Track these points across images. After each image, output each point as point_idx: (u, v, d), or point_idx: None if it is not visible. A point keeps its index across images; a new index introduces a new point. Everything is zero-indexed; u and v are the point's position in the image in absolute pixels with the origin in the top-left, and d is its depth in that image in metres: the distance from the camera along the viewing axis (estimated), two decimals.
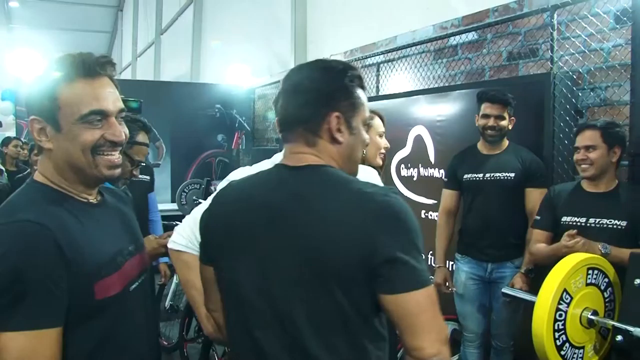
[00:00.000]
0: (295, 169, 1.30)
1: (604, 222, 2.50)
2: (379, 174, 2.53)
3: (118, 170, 1.33)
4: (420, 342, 1.16)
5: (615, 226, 2.48)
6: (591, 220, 2.54)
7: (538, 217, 2.77)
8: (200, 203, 2.00)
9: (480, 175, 3.07)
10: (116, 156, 1.31)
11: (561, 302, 2.08)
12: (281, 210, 1.26)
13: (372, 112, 2.50)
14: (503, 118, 3.02)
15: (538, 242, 2.74)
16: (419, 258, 1.18)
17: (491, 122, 3.02)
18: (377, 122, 2.47)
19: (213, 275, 1.41)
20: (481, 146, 3.15)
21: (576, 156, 2.60)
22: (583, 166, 2.57)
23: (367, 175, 1.95)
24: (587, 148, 2.54)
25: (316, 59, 1.38)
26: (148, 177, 3.80)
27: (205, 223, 1.41)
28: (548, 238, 2.73)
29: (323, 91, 1.30)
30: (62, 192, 1.30)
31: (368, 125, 1.44)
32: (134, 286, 1.36)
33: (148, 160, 4.02)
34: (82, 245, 1.22)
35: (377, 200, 1.20)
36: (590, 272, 2.17)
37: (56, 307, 1.16)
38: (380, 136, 2.47)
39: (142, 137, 2.55)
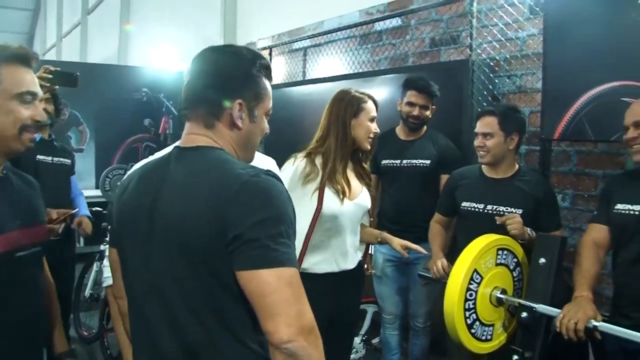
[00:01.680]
0: (185, 150, 1.32)
1: (501, 210, 2.52)
2: (367, 158, 2.51)
3: (32, 145, 1.51)
4: (272, 325, 1.12)
5: (511, 214, 2.48)
6: (489, 207, 2.55)
7: (439, 201, 2.84)
8: None
9: (398, 161, 3.11)
10: (34, 136, 1.51)
11: (472, 282, 2.13)
12: (162, 192, 1.27)
13: (366, 95, 2.48)
14: (427, 108, 3.06)
15: (435, 223, 2.84)
16: (276, 239, 1.15)
17: (416, 111, 3.05)
18: (369, 105, 2.43)
19: (118, 259, 1.41)
20: (400, 131, 3.19)
21: (475, 142, 2.61)
22: (481, 152, 2.58)
23: (264, 164, 1.93)
24: (485, 135, 2.55)
25: (229, 44, 1.39)
26: (69, 161, 3.67)
27: (110, 207, 1.50)
28: (445, 222, 2.82)
29: (230, 77, 1.31)
30: None
31: (267, 115, 1.42)
32: (21, 253, 1.46)
33: (70, 145, 3.88)
34: None
35: (242, 180, 1.18)
36: (500, 252, 2.24)
37: None
38: (372, 120, 2.42)
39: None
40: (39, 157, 3.39)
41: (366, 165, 2.51)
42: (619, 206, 2.16)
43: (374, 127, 2.43)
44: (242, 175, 1.19)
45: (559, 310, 2.07)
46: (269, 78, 1.39)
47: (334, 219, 2.34)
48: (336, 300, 2.39)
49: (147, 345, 1.31)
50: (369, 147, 2.43)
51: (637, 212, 2.10)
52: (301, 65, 5.29)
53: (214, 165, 1.25)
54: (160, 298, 1.25)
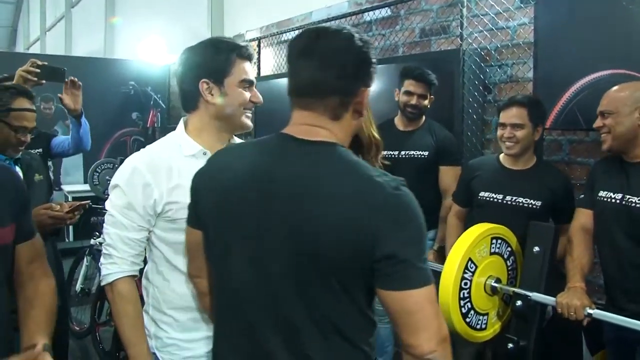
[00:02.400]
0: (305, 143, 1.23)
1: (520, 201, 2.52)
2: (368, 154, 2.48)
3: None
4: (416, 339, 1.14)
5: (530, 205, 2.50)
6: (508, 197, 2.55)
7: (455, 191, 2.83)
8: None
9: (396, 152, 3.08)
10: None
11: (466, 271, 2.14)
12: (279, 188, 1.20)
13: None
14: (425, 97, 3.05)
15: (453, 216, 2.82)
16: (421, 257, 1.15)
17: (414, 100, 3.04)
18: None
19: (200, 240, 1.37)
20: (398, 122, 3.18)
21: (500, 132, 2.55)
22: (508, 144, 2.53)
23: None
24: (514, 126, 2.51)
25: (329, 28, 1.27)
26: (39, 150, 3.50)
27: (197, 187, 1.37)
28: (462, 214, 2.80)
29: (362, 64, 1.24)
30: None
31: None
32: None
33: (56, 130, 3.80)
34: None
35: (386, 192, 1.15)
36: (494, 241, 2.25)
37: None
38: None
39: (18, 103, 2.40)
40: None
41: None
42: (601, 193, 2.17)
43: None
44: (385, 185, 1.16)
45: (553, 299, 2.09)
46: None
47: None
48: None
49: (245, 347, 1.28)
50: None
51: (617, 201, 2.11)
52: None
53: (348, 168, 1.19)
54: (274, 302, 1.21)
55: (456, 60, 3.20)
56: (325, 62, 1.21)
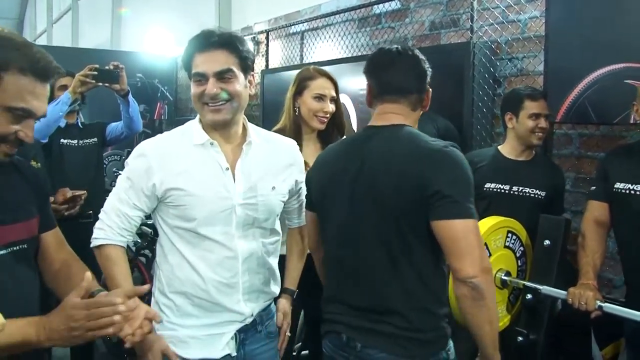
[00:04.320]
0: (385, 128, 1.69)
1: (526, 191, 2.54)
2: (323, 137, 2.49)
3: (7, 160, 1.37)
4: (460, 264, 1.45)
5: (536, 195, 2.52)
6: (515, 188, 2.55)
7: None
8: (120, 174, 1.87)
9: None
10: (15, 149, 1.35)
11: None
12: (365, 164, 1.64)
13: (319, 72, 2.49)
14: None
15: None
16: (465, 196, 1.51)
17: None
18: (315, 83, 2.45)
19: (314, 220, 1.85)
20: None
21: (534, 123, 2.54)
22: (539, 134, 2.56)
23: (287, 145, 1.93)
24: (547, 117, 2.56)
25: (401, 47, 1.75)
26: (95, 139, 3.66)
27: (309, 178, 1.86)
28: None
29: (424, 73, 1.73)
30: None
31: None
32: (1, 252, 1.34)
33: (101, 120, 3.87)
34: None
35: (434, 149, 1.57)
36: (509, 235, 2.24)
37: None
38: (317, 98, 2.42)
39: None
40: (63, 140, 3.47)
41: None
42: (619, 185, 2.16)
43: (321, 105, 2.42)
44: (434, 145, 1.58)
45: (563, 292, 2.08)
46: None
47: None
48: (305, 288, 2.37)
49: (345, 286, 1.70)
50: (318, 126, 2.44)
51: (639, 193, 2.10)
52: (298, 49, 5.25)
53: (411, 138, 1.63)
54: (362, 245, 1.64)
55: (466, 54, 3.19)
56: (408, 71, 1.71)
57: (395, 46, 1.76)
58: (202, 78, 1.65)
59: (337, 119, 2.51)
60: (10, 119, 1.28)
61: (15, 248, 1.38)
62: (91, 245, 1.71)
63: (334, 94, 2.46)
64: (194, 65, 1.66)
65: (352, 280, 1.68)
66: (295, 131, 2.44)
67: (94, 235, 1.71)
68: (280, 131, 2.30)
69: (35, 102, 1.30)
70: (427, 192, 1.49)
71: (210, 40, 1.65)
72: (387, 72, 1.72)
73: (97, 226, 1.72)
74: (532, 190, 2.53)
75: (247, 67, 1.71)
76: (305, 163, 2.05)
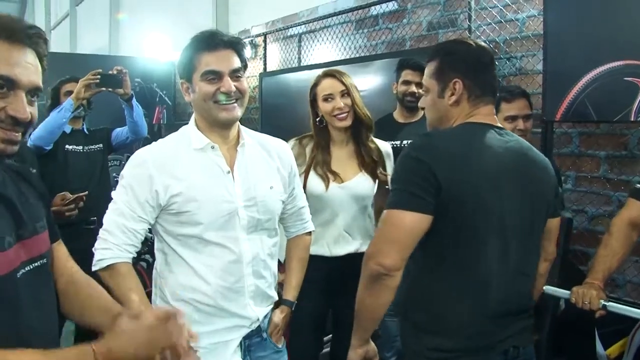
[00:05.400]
0: (501, 129, 1.65)
1: None
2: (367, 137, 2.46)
3: (13, 148, 1.15)
4: (551, 246, 1.81)
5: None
6: None
7: None
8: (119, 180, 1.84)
9: (398, 142, 3.08)
10: (16, 134, 1.13)
11: None
12: (514, 163, 1.60)
13: (322, 74, 2.46)
14: (423, 86, 3.04)
15: None
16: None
17: (412, 88, 3.03)
18: (321, 85, 2.41)
19: (427, 227, 1.52)
20: (397, 115, 3.18)
21: (510, 126, 2.45)
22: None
23: (279, 146, 1.92)
24: (526, 117, 2.50)
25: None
26: (100, 145, 3.63)
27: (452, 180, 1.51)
28: None
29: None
30: None
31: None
32: (24, 271, 1.17)
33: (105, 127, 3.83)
34: None
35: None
36: None
37: None
38: (326, 99, 2.37)
39: None
40: (68, 147, 3.43)
41: (372, 145, 2.45)
42: None
43: (331, 105, 2.36)
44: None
45: (566, 292, 2.06)
46: None
47: (319, 202, 2.32)
48: (335, 288, 2.37)
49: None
50: (341, 124, 2.37)
51: None
52: (296, 52, 5.25)
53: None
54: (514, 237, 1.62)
55: None
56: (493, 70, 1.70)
57: (482, 43, 1.74)
58: (215, 76, 1.64)
59: (357, 113, 2.39)
60: None
61: (37, 264, 1.23)
62: (96, 268, 1.63)
63: (341, 88, 2.38)
64: (204, 64, 1.65)
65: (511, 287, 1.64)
66: (322, 137, 2.43)
67: (99, 257, 1.63)
68: (312, 138, 2.44)
69: (14, 70, 1.10)
70: (556, 193, 1.74)
71: (220, 40, 1.67)
72: (489, 72, 1.67)
73: (101, 246, 1.64)
74: None
75: (245, 68, 1.74)
76: (336, 167, 2.20)
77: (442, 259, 1.57)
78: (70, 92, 3.45)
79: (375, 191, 2.43)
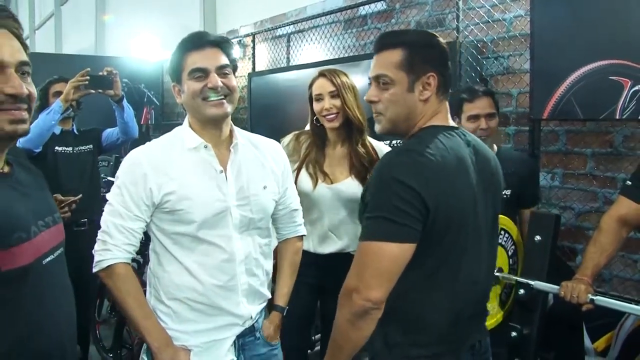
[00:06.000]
0: (458, 129, 1.60)
1: None
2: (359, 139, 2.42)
3: (23, 126, 1.19)
4: None
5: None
6: None
7: None
8: (108, 181, 1.86)
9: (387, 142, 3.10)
10: (20, 111, 1.18)
11: None
12: (480, 167, 1.56)
13: (316, 75, 2.45)
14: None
15: None
16: None
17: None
18: (315, 85, 2.41)
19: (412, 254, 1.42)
20: None
21: (473, 125, 2.44)
22: (483, 136, 2.38)
23: (271, 146, 1.94)
24: (490, 116, 2.48)
25: None
26: (90, 146, 3.61)
27: (430, 196, 1.40)
28: None
29: None
30: None
31: None
32: (48, 259, 1.24)
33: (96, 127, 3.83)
34: None
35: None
36: (502, 232, 2.26)
37: None
38: (317, 99, 2.37)
39: None
40: (57, 148, 3.41)
41: (362, 150, 2.42)
42: None
43: (321, 105, 2.35)
44: None
45: (555, 287, 2.10)
46: None
47: (307, 200, 2.33)
48: (321, 284, 2.40)
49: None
50: (329, 124, 2.35)
51: None
52: (285, 52, 5.26)
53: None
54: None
55: (453, 53, 3.21)
56: None
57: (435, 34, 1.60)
58: (202, 73, 1.66)
59: (347, 114, 2.35)
60: None
61: (58, 252, 1.30)
62: (96, 269, 1.66)
63: (330, 88, 2.36)
64: (190, 63, 1.68)
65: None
66: (319, 137, 2.44)
67: (98, 258, 1.65)
68: (300, 136, 2.45)
69: None
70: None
71: (205, 39, 1.70)
72: (449, 65, 1.57)
73: (101, 247, 1.66)
74: None
75: (235, 68, 1.77)
76: (328, 168, 2.20)
77: (423, 273, 1.49)
78: (59, 93, 3.43)
79: None
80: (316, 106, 2.38)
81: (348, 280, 1.43)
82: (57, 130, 3.48)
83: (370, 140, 2.45)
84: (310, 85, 2.45)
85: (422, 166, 1.41)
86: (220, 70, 1.68)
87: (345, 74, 2.43)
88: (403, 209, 1.37)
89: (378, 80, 1.54)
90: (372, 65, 1.57)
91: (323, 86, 2.38)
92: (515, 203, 2.51)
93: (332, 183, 2.37)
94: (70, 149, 3.50)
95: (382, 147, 2.46)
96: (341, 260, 2.22)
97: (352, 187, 2.37)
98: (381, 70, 1.53)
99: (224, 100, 1.68)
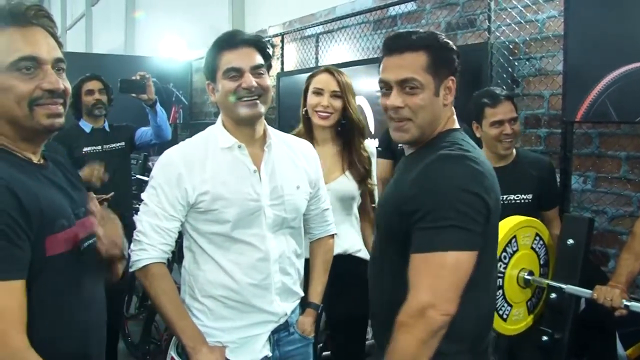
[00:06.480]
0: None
1: (511, 198, 2.43)
2: (357, 140, 2.41)
3: (59, 120, 1.26)
4: None
5: (522, 200, 2.44)
6: (502, 197, 2.47)
7: None
8: (137, 179, 1.88)
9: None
10: (57, 105, 1.24)
11: (507, 248, 2.09)
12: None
13: (321, 69, 2.45)
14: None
15: None
16: None
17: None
18: (316, 78, 2.39)
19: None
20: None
21: (497, 131, 2.42)
22: (507, 141, 2.43)
23: (304, 146, 1.94)
24: (512, 121, 2.45)
25: None
26: (122, 143, 3.68)
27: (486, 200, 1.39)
28: None
29: None
30: (3, 149, 1.23)
31: None
32: (86, 245, 1.30)
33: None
34: (38, 196, 1.16)
35: None
36: (537, 238, 2.22)
37: (19, 257, 1.11)
38: (316, 93, 2.33)
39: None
40: (86, 149, 3.44)
41: (365, 153, 2.42)
42: None
43: (319, 99, 2.31)
44: None
45: (587, 291, 2.08)
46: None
47: None
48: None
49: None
50: (319, 122, 2.32)
51: None
52: (314, 52, 5.27)
53: None
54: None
55: (484, 54, 3.19)
56: None
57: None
58: (237, 73, 1.67)
59: (350, 116, 2.36)
60: (21, 78, 1.20)
61: (91, 241, 1.33)
62: (132, 269, 1.68)
63: (335, 88, 2.33)
64: (225, 62, 1.68)
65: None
66: (307, 132, 2.41)
67: (135, 258, 1.67)
68: (297, 135, 2.30)
69: (34, 48, 1.21)
70: None
71: (240, 38, 1.71)
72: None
73: (137, 247, 1.67)
74: (517, 196, 2.44)
75: (269, 67, 1.77)
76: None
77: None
78: (91, 91, 3.48)
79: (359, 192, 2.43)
80: (313, 99, 2.34)
81: (417, 296, 1.31)
82: (88, 128, 3.52)
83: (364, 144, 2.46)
84: (312, 76, 2.43)
85: (480, 173, 1.39)
86: (255, 70, 1.68)
87: (347, 76, 2.42)
88: (472, 217, 1.34)
89: (403, 85, 1.46)
90: (392, 68, 1.49)
91: (327, 82, 2.35)
92: (537, 206, 2.47)
93: (325, 183, 2.34)
94: (99, 147, 3.52)
95: (371, 147, 2.51)
96: (346, 263, 2.26)
97: (345, 185, 2.37)
98: (409, 73, 1.45)
99: (257, 101, 1.69)
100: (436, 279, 1.31)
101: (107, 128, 3.63)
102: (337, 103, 2.33)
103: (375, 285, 1.59)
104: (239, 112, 1.69)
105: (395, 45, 1.49)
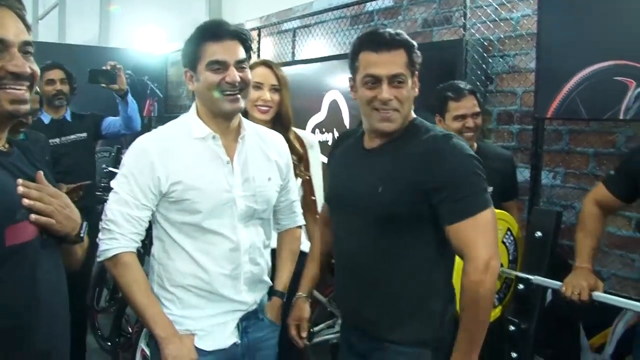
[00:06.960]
0: None
1: None
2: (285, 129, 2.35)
3: (25, 107, 1.22)
4: None
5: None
6: None
7: None
8: (109, 171, 1.85)
9: None
10: (22, 91, 1.20)
11: None
12: None
13: (259, 62, 2.40)
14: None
15: None
16: None
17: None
18: (252, 72, 2.33)
19: None
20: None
21: (459, 124, 2.49)
22: (469, 135, 2.48)
23: (274, 138, 1.94)
24: (476, 115, 2.51)
25: None
26: (84, 134, 3.56)
27: None
28: None
29: None
30: None
31: None
32: (46, 236, 1.25)
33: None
34: None
35: None
36: (508, 232, 2.28)
37: None
38: (255, 87, 2.22)
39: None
40: (51, 141, 3.26)
41: (296, 144, 2.35)
42: None
43: (259, 94, 2.26)
44: None
45: (555, 282, 2.11)
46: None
47: None
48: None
49: None
50: (259, 116, 2.26)
51: None
52: (290, 47, 5.27)
53: None
54: None
55: (459, 51, 3.23)
56: None
57: None
58: (221, 66, 1.65)
59: (284, 110, 2.34)
60: None
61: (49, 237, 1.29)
62: (101, 258, 1.65)
63: (273, 82, 2.30)
64: (210, 53, 1.65)
65: None
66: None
67: (104, 247, 1.64)
68: None
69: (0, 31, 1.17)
70: None
71: (226, 30, 1.67)
72: None
73: (107, 236, 1.65)
74: None
75: (250, 60, 1.76)
76: None
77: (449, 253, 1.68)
78: (52, 81, 3.38)
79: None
80: (252, 94, 2.20)
81: (479, 254, 1.52)
82: (47, 119, 3.39)
83: (294, 129, 2.43)
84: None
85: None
86: (239, 65, 1.67)
87: (282, 70, 2.39)
88: (484, 179, 1.62)
89: (393, 79, 1.64)
90: (383, 63, 1.64)
91: (266, 76, 2.30)
92: (497, 198, 2.52)
93: None
94: (57, 140, 3.38)
95: (307, 134, 2.53)
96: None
97: None
98: (399, 69, 1.64)
99: (239, 96, 1.68)
100: (486, 236, 1.55)
101: (68, 118, 3.52)
102: (276, 97, 2.31)
103: (379, 283, 1.71)
104: (220, 106, 1.68)
105: (384, 42, 1.64)
